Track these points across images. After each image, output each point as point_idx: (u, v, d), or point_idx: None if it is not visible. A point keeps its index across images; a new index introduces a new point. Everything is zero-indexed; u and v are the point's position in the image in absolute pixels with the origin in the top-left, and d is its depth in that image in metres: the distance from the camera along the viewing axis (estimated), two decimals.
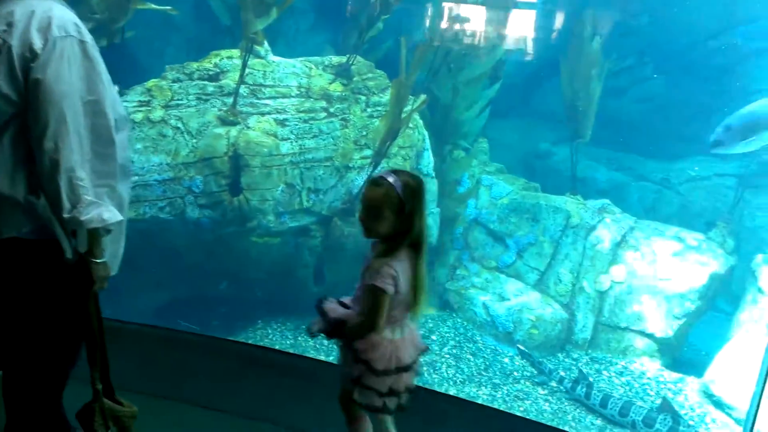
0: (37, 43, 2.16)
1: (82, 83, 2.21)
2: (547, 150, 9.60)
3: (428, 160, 7.46)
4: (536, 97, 9.42)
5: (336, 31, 8.48)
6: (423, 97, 7.11)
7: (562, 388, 6.15)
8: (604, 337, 6.88)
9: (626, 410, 5.65)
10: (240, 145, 6.09)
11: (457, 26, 8.41)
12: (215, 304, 6.60)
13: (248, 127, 6.25)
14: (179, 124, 6.18)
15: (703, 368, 6.28)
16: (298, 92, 6.71)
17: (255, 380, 3.98)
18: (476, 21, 8.76)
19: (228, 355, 4.44)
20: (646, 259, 6.95)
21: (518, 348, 6.60)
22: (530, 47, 9.56)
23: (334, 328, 2.59)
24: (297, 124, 6.48)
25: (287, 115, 6.50)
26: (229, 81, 6.52)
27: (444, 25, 8.30)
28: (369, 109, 7.08)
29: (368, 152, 6.82)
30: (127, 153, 2.56)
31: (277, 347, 6.34)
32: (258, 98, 6.52)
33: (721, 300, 7.06)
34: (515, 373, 6.40)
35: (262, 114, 6.43)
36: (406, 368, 2.59)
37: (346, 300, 2.71)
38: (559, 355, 6.82)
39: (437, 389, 5.91)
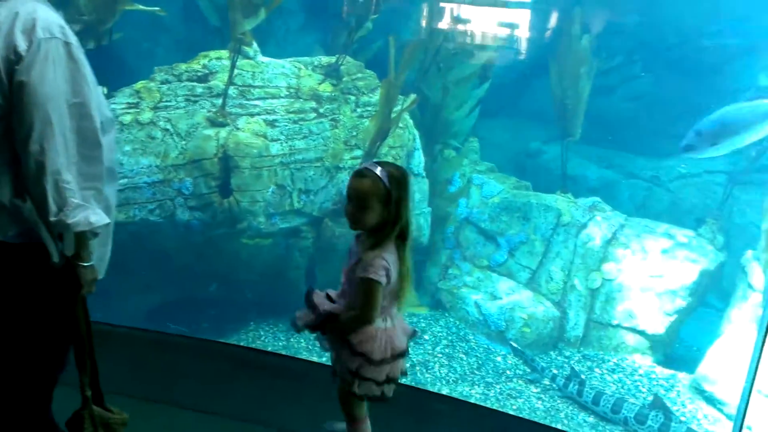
0: (22, 45, 2.14)
1: (68, 85, 2.19)
2: (537, 149, 9.62)
3: (419, 160, 7.46)
4: (526, 96, 9.43)
5: (326, 31, 8.47)
6: (413, 96, 7.11)
7: (554, 385, 6.16)
8: (596, 335, 6.90)
9: (618, 407, 5.67)
10: (229, 146, 6.07)
11: (446, 25, 8.42)
12: (206, 307, 6.58)
13: (238, 129, 6.23)
14: (168, 126, 6.15)
15: (694, 364, 6.31)
16: (287, 93, 6.70)
17: (247, 382, 3.97)
18: (466, 20, 8.77)
19: (219, 357, 4.43)
20: (636, 256, 6.97)
21: (511, 345, 6.62)
22: (520, 46, 9.57)
23: (322, 322, 2.59)
24: (287, 125, 6.46)
25: (277, 116, 6.48)
26: (218, 82, 6.50)
27: (433, 24, 8.31)
28: (359, 110, 7.08)
29: (358, 152, 6.81)
30: (114, 155, 2.54)
31: (269, 349, 6.32)
32: (247, 99, 6.50)
33: (711, 296, 7.10)
34: (508, 372, 6.41)
35: (252, 115, 6.41)
36: (402, 354, 2.62)
37: (332, 293, 2.70)
38: (552, 353, 6.83)
39: (430, 389, 5.92)
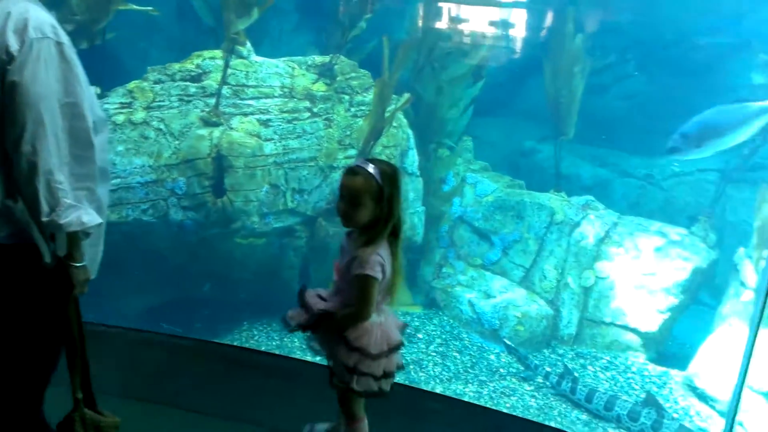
0: (14, 45, 2.13)
1: (60, 85, 2.19)
2: (531, 147, 9.64)
3: (413, 159, 7.47)
4: (520, 95, 9.45)
5: (319, 30, 8.47)
6: (406, 95, 7.12)
7: (547, 383, 6.18)
8: (589, 333, 6.93)
9: (611, 404, 5.69)
10: (223, 146, 6.07)
11: (440, 25, 8.43)
12: (199, 307, 6.57)
13: (231, 128, 6.23)
14: (161, 126, 6.14)
15: (686, 361, 6.34)
16: (281, 92, 6.70)
17: (240, 382, 3.97)
18: (459, 19, 8.78)
19: (213, 357, 4.43)
20: (629, 254, 7.00)
21: (505, 343, 6.64)
22: (513, 45, 9.59)
23: (316, 322, 2.59)
24: (280, 125, 6.46)
25: (270, 116, 6.48)
26: (212, 82, 6.50)
27: (427, 23, 8.31)
28: (353, 109, 7.08)
29: (352, 152, 6.82)
30: (107, 155, 2.53)
31: (262, 348, 6.32)
32: (241, 99, 6.50)
33: (704, 294, 7.13)
34: (501, 370, 6.43)
35: (245, 114, 6.41)
36: (397, 347, 2.63)
37: (323, 292, 2.71)
38: (545, 351, 6.85)
39: (424, 387, 5.93)
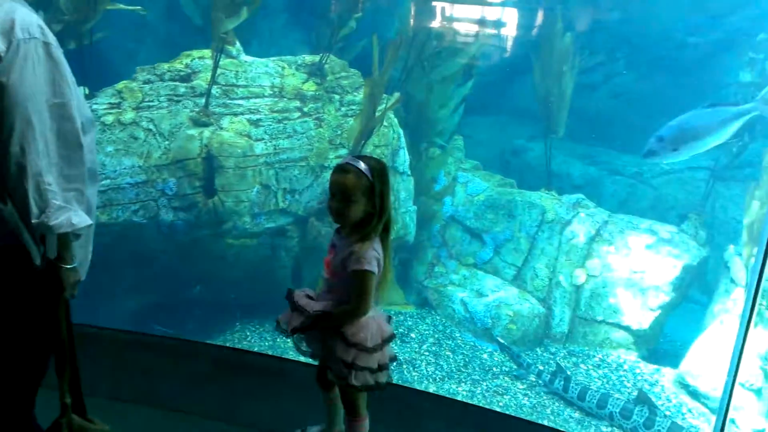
0: (0, 46, 2.11)
1: (48, 86, 2.17)
2: (522, 146, 9.66)
3: (404, 159, 7.47)
4: (510, 94, 9.47)
5: (309, 30, 8.45)
6: (396, 95, 7.12)
7: (540, 382, 6.19)
8: (581, 331, 6.95)
9: (604, 402, 5.71)
10: (213, 146, 6.04)
11: (430, 24, 8.43)
12: (191, 308, 6.53)
13: (221, 128, 6.20)
14: (151, 126, 6.11)
15: (678, 359, 6.37)
16: (271, 92, 6.67)
17: (232, 383, 3.95)
18: (449, 18, 8.78)
19: (205, 358, 4.40)
20: (620, 252, 7.03)
21: (498, 341, 6.64)
22: (503, 44, 9.61)
23: (313, 323, 2.59)
24: (271, 125, 6.44)
25: (261, 116, 6.46)
26: (201, 81, 6.47)
27: (417, 22, 8.31)
28: (343, 108, 7.07)
29: (343, 151, 6.80)
30: (95, 156, 2.51)
31: (255, 349, 6.30)
32: (231, 99, 6.47)
33: (695, 291, 7.17)
34: (494, 369, 6.44)
35: (235, 114, 6.38)
36: (390, 339, 2.65)
37: (310, 292, 2.71)
38: (537, 349, 6.87)
39: (417, 387, 5.92)
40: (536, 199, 7.53)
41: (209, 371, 4.10)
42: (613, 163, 9.15)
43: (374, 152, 6.99)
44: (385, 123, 7.05)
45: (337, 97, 7.09)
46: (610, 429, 5.67)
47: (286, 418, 3.39)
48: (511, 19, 9.51)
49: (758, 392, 5.47)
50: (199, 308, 6.50)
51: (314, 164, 6.59)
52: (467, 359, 6.58)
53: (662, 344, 7.00)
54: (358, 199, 2.50)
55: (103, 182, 5.75)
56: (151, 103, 6.26)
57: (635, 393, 5.87)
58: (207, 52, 6.67)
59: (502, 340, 6.63)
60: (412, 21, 8.40)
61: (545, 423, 5.58)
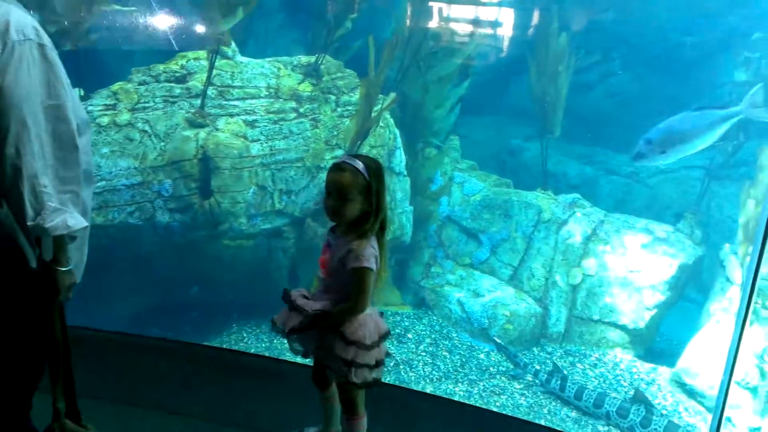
0: None
1: (43, 88, 2.16)
2: (518, 146, 9.67)
3: (400, 159, 7.46)
4: (506, 94, 9.48)
5: (305, 30, 8.45)
6: (392, 95, 7.11)
7: (537, 381, 6.20)
8: (578, 330, 6.96)
9: (600, 402, 5.71)
10: (209, 147, 6.03)
11: (426, 24, 8.43)
12: (188, 310, 6.52)
13: (217, 129, 6.19)
14: (146, 128, 6.10)
15: (674, 358, 6.38)
16: (267, 93, 6.67)
17: (230, 385, 3.94)
18: (445, 19, 8.79)
19: (202, 360, 4.39)
20: (616, 251, 7.04)
21: (495, 341, 6.65)
22: (499, 44, 9.61)
23: (312, 322, 2.59)
24: (267, 125, 6.43)
25: (256, 116, 6.45)
26: (197, 83, 6.45)
27: (413, 23, 8.31)
28: (339, 109, 7.07)
29: (339, 152, 6.80)
30: (90, 158, 2.50)
31: (252, 351, 6.29)
32: (226, 99, 6.46)
33: (690, 290, 7.19)
34: (491, 369, 6.44)
35: (231, 115, 6.37)
36: (386, 335, 2.68)
37: (305, 292, 2.72)
38: (534, 349, 6.87)
39: (414, 387, 5.92)
40: (532, 199, 7.54)
41: (206, 373, 4.09)
42: (608, 162, 9.17)
43: (370, 153, 6.99)
44: (381, 123, 7.05)
45: (333, 97, 7.08)
46: (607, 428, 5.68)
47: (283, 419, 3.38)
48: (506, 19, 9.52)
49: (754, 390, 5.48)
50: (196, 310, 6.50)
51: (310, 165, 6.59)
52: (464, 359, 6.58)
53: (658, 343, 7.01)
54: (355, 198, 2.52)
55: (98, 184, 5.74)
56: (146, 105, 6.25)
57: (632, 392, 5.88)
58: (202, 53, 6.67)
59: (498, 340, 6.64)
60: (408, 21, 8.40)
61: (542, 423, 5.58)
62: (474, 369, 6.42)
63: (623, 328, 6.79)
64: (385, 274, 2.69)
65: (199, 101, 6.29)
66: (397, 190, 7.33)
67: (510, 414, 5.64)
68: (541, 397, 6.07)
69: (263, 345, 6.46)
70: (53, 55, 2.23)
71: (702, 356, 6.05)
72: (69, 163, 2.22)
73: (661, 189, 8.71)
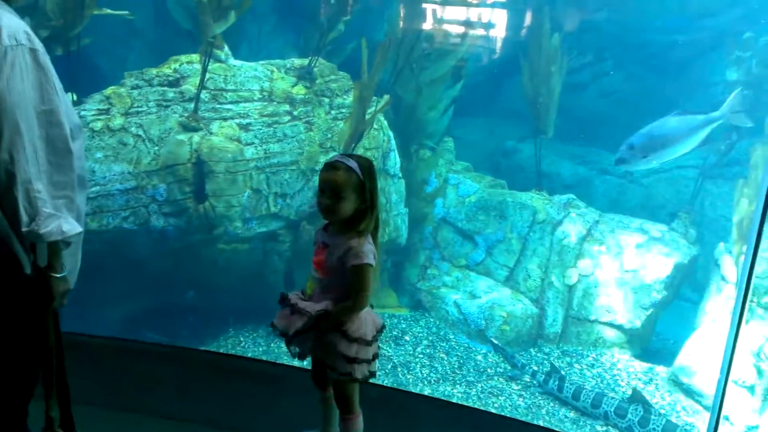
0: None
1: (35, 93, 2.15)
2: (512, 147, 9.68)
3: (394, 161, 7.46)
4: (500, 95, 9.50)
5: (298, 33, 8.44)
6: (386, 97, 7.11)
7: (534, 382, 6.20)
8: (574, 330, 6.96)
9: (598, 402, 5.72)
10: (203, 151, 6.01)
11: (419, 26, 8.44)
12: (184, 314, 6.50)
13: (211, 133, 6.18)
14: (140, 132, 6.07)
15: (671, 357, 6.39)
16: (260, 96, 6.65)
17: (227, 389, 3.93)
18: (438, 20, 8.79)
19: (198, 364, 4.38)
20: (611, 251, 7.05)
21: (492, 342, 6.65)
22: (492, 45, 9.63)
23: (315, 323, 2.59)
24: (261, 129, 6.42)
25: (250, 120, 6.44)
26: (190, 86, 6.43)
27: (406, 25, 8.32)
28: (333, 111, 7.06)
29: (334, 155, 6.78)
30: (84, 162, 2.49)
31: (249, 354, 6.27)
32: (220, 103, 6.44)
33: (686, 289, 7.21)
34: (489, 370, 6.44)
35: (225, 119, 6.35)
36: (382, 329, 2.73)
37: (301, 294, 2.71)
38: (531, 350, 6.87)
39: (412, 389, 5.91)
40: (527, 199, 7.54)
41: (203, 378, 4.08)
42: (602, 162, 9.17)
43: (365, 154, 6.99)
44: (375, 126, 7.05)
45: (326, 100, 7.08)
46: (605, 428, 5.68)
47: (281, 423, 3.37)
48: (499, 20, 9.54)
49: (751, 389, 5.49)
50: (192, 314, 6.47)
51: (305, 168, 6.57)
52: (461, 361, 6.58)
53: (655, 343, 7.02)
54: (348, 196, 2.55)
55: (92, 189, 5.72)
56: (139, 109, 6.23)
57: (629, 392, 5.89)
58: (195, 57, 6.64)
59: (496, 341, 6.65)
60: (400, 23, 8.41)
61: (540, 423, 5.58)
62: (471, 370, 6.41)
63: (620, 327, 6.80)
64: (377, 273, 2.70)
65: (192, 105, 6.27)
66: (392, 193, 7.33)
67: (508, 415, 5.64)
68: (539, 397, 6.07)
69: (260, 349, 6.44)
70: (45, 59, 2.21)
71: (699, 355, 6.06)
72: (63, 168, 2.21)
73: (655, 189, 8.73)
